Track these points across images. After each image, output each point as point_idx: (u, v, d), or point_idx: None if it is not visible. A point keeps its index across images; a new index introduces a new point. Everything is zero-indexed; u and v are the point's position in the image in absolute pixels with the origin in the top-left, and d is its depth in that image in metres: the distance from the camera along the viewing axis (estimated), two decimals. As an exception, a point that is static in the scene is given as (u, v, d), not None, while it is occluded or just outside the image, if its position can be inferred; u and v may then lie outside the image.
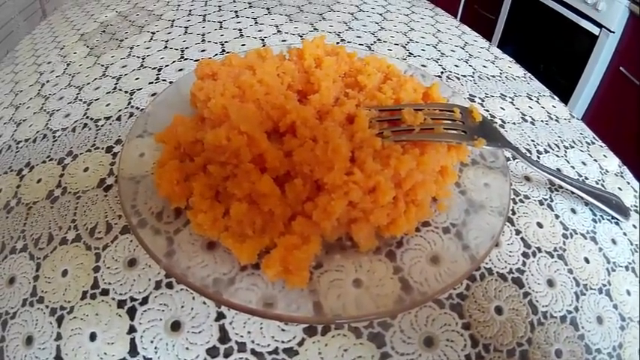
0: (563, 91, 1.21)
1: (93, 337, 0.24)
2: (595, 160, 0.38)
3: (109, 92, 0.43)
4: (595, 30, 1.12)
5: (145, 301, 0.25)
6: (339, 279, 0.23)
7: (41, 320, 0.25)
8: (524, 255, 0.29)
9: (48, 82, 0.47)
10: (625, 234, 0.32)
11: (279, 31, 0.53)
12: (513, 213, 0.31)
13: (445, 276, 0.23)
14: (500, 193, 0.28)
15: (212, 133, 0.24)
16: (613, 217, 0.32)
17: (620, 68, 1.08)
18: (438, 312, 0.25)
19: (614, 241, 0.31)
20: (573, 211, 0.32)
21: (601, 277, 0.28)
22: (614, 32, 1.08)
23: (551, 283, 0.27)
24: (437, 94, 0.30)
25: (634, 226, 0.32)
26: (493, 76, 0.47)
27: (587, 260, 0.29)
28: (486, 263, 0.28)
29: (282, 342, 0.23)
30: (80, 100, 0.42)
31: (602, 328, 0.26)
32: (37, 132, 0.39)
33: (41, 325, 0.25)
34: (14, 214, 0.32)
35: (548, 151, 0.37)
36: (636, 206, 0.34)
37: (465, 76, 0.46)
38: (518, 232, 0.30)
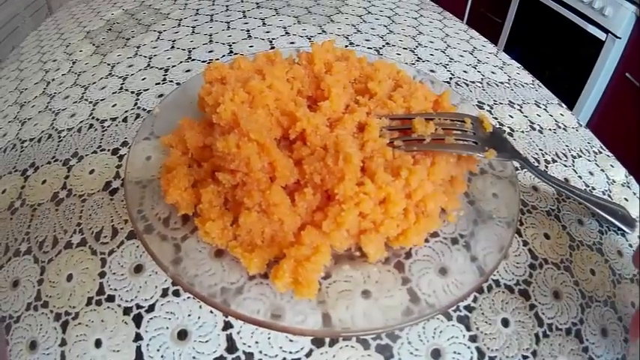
0: (569, 96, 1.21)
1: (98, 343, 0.24)
2: (602, 170, 0.37)
3: (115, 92, 0.42)
4: (601, 35, 1.11)
5: (151, 308, 0.25)
6: (347, 290, 0.23)
7: (45, 325, 0.25)
8: (531, 266, 0.28)
9: (53, 80, 0.46)
10: (631, 245, 0.32)
11: (287, 33, 0.53)
12: (521, 224, 0.31)
13: (453, 287, 0.23)
14: (509, 204, 0.27)
15: (222, 141, 0.24)
16: (619, 229, 0.32)
17: (626, 74, 1.07)
18: (446, 324, 0.25)
19: (620, 253, 0.31)
20: (580, 222, 0.32)
21: (606, 289, 0.28)
22: (620, 38, 1.07)
23: (557, 295, 0.27)
24: (447, 102, 0.30)
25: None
26: (502, 83, 0.47)
27: (592, 272, 0.29)
28: (494, 275, 0.27)
29: (290, 352, 0.23)
30: (86, 99, 0.42)
31: (606, 341, 0.26)
32: (42, 131, 0.39)
33: (45, 330, 0.25)
34: (18, 215, 0.31)
35: (556, 161, 0.37)
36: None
37: (473, 82, 0.46)
38: (525, 244, 0.30)
